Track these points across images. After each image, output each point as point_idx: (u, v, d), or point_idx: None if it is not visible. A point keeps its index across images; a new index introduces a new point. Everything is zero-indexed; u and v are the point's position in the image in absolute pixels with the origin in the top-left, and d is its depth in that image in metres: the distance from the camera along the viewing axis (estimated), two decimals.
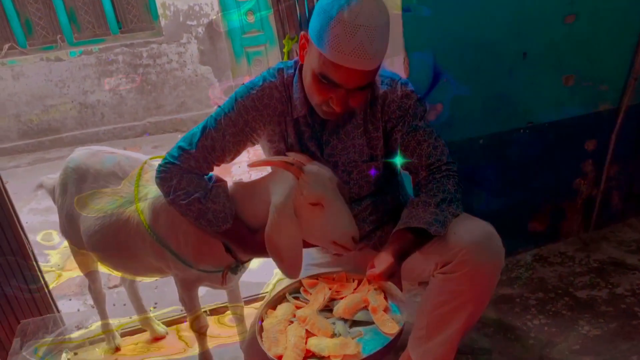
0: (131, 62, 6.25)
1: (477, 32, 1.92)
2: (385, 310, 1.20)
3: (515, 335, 1.85)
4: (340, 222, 1.24)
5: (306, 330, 1.14)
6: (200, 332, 1.70)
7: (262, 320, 1.22)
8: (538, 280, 2.15)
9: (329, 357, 1.07)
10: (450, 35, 1.89)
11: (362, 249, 1.59)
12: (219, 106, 1.45)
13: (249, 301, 2.17)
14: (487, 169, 2.14)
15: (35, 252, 2.02)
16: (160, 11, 6.21)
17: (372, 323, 1.18)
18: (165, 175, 1.42)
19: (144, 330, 2.13)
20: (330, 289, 1.27)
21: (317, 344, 1.09)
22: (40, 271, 2.00)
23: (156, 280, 2.62)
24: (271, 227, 1.25)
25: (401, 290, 1.26)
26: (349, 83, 1.23)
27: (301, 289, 1.31)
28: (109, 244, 1.61)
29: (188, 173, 1.41)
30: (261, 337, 1.16)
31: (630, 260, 2.20)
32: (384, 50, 1.21)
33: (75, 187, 1.70)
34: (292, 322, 1.19)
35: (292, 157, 1.33)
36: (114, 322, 2.13)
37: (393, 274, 1.23)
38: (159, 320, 2.17)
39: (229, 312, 2.16)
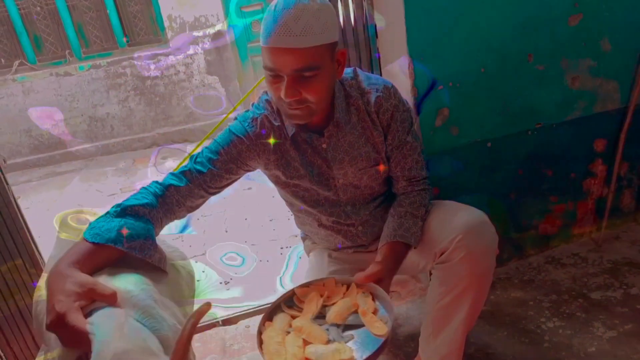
0: (139, 75, 6.31)
1: (481, 35, 1.92)
2: (374, 312, 1.21)
3: (529, 339, 1.84)
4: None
5: (303, 339, 1.16)
6: None
7: (262, 333, 1.21)
8: (551, 282, 2.13)
9: None
10: (455, 39, 1.90)
11: (370, 251, 1.60)
12: (214, 139, 1.46)
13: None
14: (496, 172, 2.14)
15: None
16: (166, 23, 6.26)
17: (363, 325, 1.19)
18: None
19: None
20: (321, 296, 1.27)
21: (314, 351, 1.12)
22: None
23: None
24: None
25: (388, 293, 1.27)
26: (285, 66, 1.21)
27: (294, 298, 1.31)
28: None
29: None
30: (262, 349, 1.16)
31: None
32: (320, 31, 1.20)
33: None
34: (289, 332, 1.20)
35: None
36: None
37: (380, 280, 1.26)
38: None
39: (242, 320, 2.16)
